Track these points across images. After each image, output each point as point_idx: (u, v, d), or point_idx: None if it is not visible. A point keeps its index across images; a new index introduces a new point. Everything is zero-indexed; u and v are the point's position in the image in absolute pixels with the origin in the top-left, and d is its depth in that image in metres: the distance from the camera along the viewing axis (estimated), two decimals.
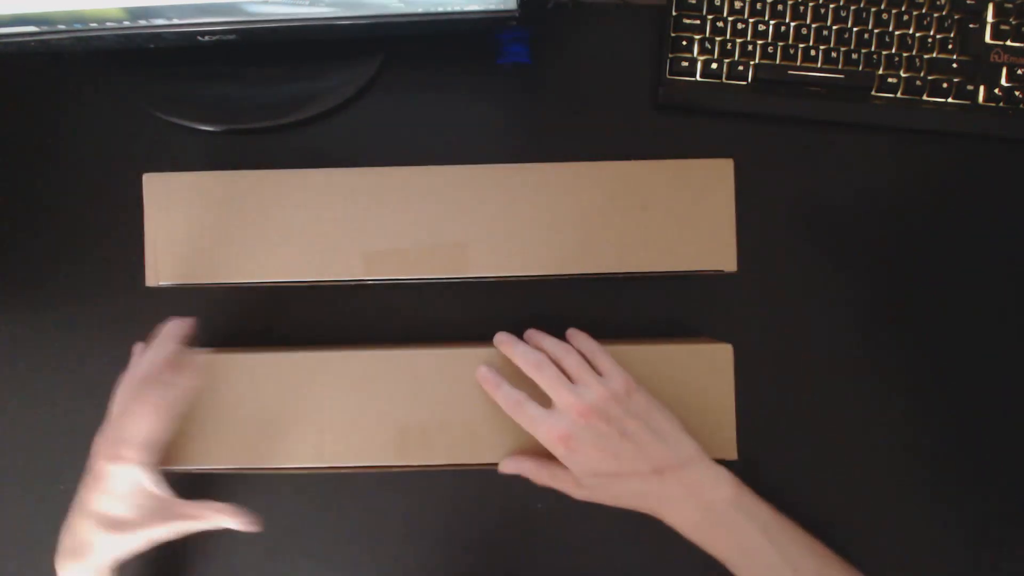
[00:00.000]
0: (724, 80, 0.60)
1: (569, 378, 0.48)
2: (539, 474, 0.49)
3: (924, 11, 0.60)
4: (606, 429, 0.46)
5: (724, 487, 0.47)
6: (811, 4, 0.60)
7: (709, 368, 0.51)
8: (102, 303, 0.60)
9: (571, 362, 0.49)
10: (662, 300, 0.59)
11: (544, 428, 0.47)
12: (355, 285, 0.53)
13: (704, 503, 0.47)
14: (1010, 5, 0.60)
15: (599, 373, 0.49)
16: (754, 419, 0.54)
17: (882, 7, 0.60)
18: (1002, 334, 0.60)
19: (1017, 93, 0.59)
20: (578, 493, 0.49)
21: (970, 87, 0.60)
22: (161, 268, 0.51)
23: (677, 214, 0.51)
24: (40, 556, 0.58)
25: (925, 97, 0.60)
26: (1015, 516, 0.58)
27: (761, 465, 0.56)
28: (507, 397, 0.48)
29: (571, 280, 0.54)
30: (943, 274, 0.60)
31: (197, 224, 0.51)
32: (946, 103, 0.60)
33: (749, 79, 0.60)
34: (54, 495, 0.58)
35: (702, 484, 0.47)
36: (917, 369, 0.59)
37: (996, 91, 0.60)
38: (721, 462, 0.49)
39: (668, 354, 0.51)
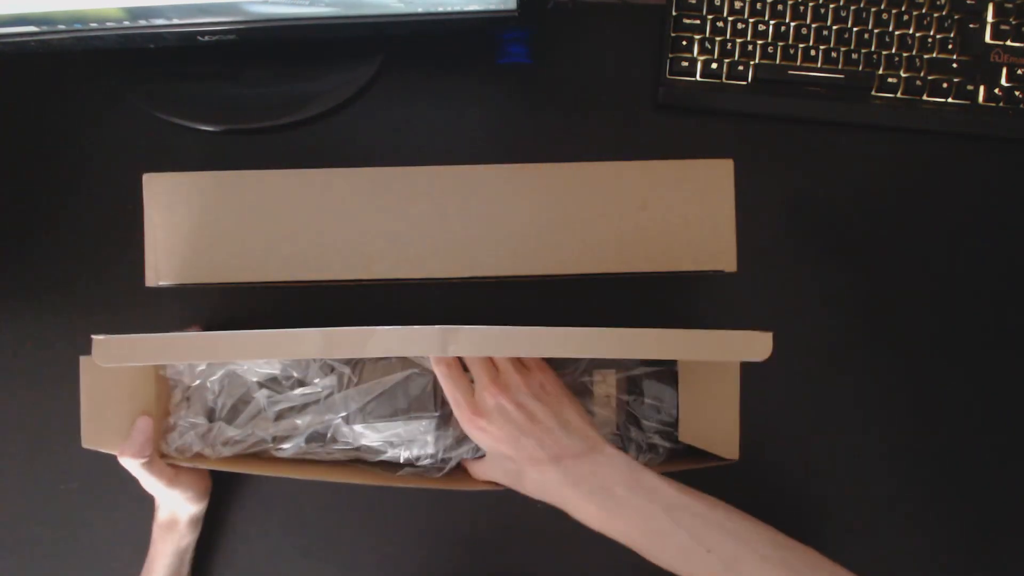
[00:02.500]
0: (724, 80, 0.60)
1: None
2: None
3: (924, 11, 0.60)
4: (515, 413, 0.47)
5: (619, 469, 0.45)
6: (811, 4, 0.60)
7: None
8: (102, 303, 0.60)
9: (501, 358, 0.50)
10: (662, 300, 0.59)
11: (465, 402, 0.48)
12: (355, 285, 0.53)
13: (601, 489, 0.45)
14: (1010, 5, 0.60)
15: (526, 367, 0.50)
16: (754, 419, 0.54)
17: (882, 7, 0.60)
18: (1002, 334, 0.60)
19: (1017, 93, 0.59)
20: (478, 468, 0.52)
21: (970, 87, 0.60)
22: (161, 268, 0.51)
23: (677, 214, 0.51)
24: (41, 556, 0.58)
25: (925, 97, 0.60)
26: (1015, 516, 0.58)
27: (761, 465, 0.56)
28: (441, 362, 0.49)
29: (571, 280, 0.54)
30: (943, 274, 0.60)
31: (197, 224, 0.51)
32: (946, 103, 0.60)
33: (749, 79, 0.60)
34: (54, 496, 0.58)
35: (596, 470, 0.46)
36: (917, 369, 0.59)
37: (996, 91, 0.60)
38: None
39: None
